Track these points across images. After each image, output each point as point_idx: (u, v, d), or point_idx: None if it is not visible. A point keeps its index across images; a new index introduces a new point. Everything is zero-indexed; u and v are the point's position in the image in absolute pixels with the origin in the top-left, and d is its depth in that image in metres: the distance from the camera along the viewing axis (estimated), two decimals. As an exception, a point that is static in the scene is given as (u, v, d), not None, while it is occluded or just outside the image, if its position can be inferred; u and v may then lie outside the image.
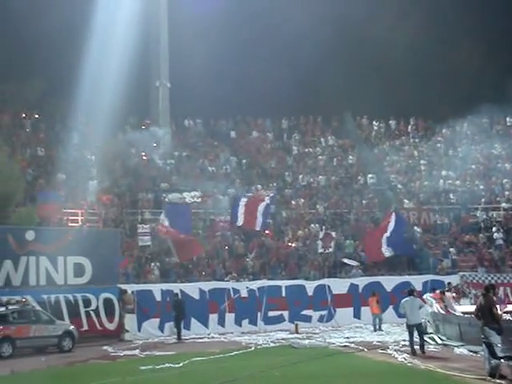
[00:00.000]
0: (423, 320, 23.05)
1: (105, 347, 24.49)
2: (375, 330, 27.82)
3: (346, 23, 46.61)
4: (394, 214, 33.31)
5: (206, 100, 39.69)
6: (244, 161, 42.27)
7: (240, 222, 32.23)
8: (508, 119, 49.34)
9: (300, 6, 43.78)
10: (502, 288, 31.32)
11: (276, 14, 43.08)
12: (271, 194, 33.51)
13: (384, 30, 46.01)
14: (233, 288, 29.62)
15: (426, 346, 21.22)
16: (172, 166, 40.21)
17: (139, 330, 27.63)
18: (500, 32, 47.98)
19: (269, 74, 40.61)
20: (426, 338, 22.71)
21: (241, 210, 31.96)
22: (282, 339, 25.86)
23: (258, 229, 32.74)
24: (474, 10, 49.43)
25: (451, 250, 34.78)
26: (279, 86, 40.62)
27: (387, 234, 32.16)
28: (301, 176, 41.48)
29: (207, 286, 29.42)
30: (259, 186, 39.16)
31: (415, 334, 21.05)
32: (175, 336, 26.76)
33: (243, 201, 32.30)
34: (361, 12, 46.27)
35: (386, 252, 32.28)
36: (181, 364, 19.37)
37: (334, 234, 34.43)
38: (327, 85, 44.73)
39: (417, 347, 20.90)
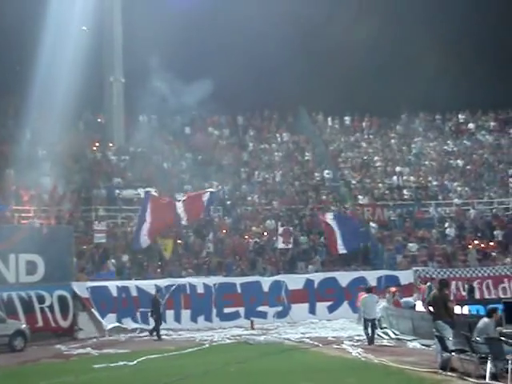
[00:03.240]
0: (378, 315, 23.52)
1: (58, 346, 24.14)
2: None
3: (304, 21, 46.78)
4: (330, 216, 33.46)
5: (161, 96, 39.34)
6: (199, 157, 42.10)
7: (184, 220, 31.94)
8: (460, 116, 50.19)
9: (259, 3, 43.72)
10: (453, 282, 31.79)
11: (234, 11, 42.89)
12: (211, 190, 33.14)
13: (342, 27, 46.21)
14: (189, 284, 29.48)
15: (377, 340, 22.22)
16: (126, 162, 39.86)
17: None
18: (458, 31, 48.60)
19: (225, 70, 40.42)
20: (380, 333, 23.13)
21: (180, 208, 31.56)
22: (238, 335, 25.83)
23: (201, 216, 32.62)
24: (432, 9, 50.07)
25: (410, 245, 35.22)
26: (235, 82, 40.49)
27: (338, 232, 32.39)
28: (256, 172, 41.53)
29: (163, 282, 29.25)
30: (215, 183, 39.13)
31: (369, 326, 22.03)
32: (148, 333, 26.42)
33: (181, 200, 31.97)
34: (319, 9, 46.37)
35: (341, 249, 32.59)
36: (135, 362, 19.23)
37: (291, 229, 34.62)
38: (283, 81, 44.74)
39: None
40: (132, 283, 28.74)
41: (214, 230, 34.35)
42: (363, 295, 23.77)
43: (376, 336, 22.54)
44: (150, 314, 26.61)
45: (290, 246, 33.65)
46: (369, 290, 23.91)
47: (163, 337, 25.74)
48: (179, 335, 26.42)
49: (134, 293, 28.40)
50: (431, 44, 48.04)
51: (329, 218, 33.34)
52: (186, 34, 40.81)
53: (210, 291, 29.55)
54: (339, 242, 32.51)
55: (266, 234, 34.88)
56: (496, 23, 49.37)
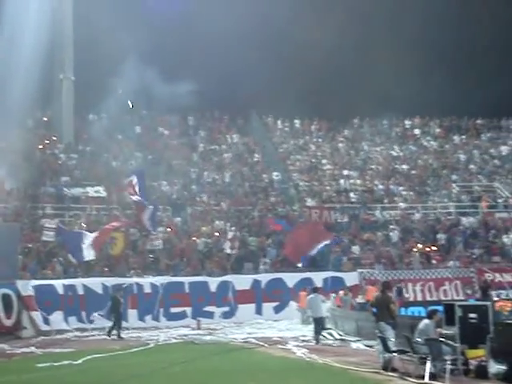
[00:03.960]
0: (325, 315, 24.02)
1: (1, 345, 23.78)
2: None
3: (264, 23, 47.05)
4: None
5: (112, 94, 39.13)
6: (149, 157, 41.99)
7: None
8: (406, 122, 51.19)
9: (219, 3, 43.87)
10: (398, 284, 32.39)
11: (193, 11, 42.96)
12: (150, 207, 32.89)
13: (300, 31, 46.72)
14: (136, 283, 29.43)
15: (322, 340, 22.71)
16: (75, 161, 39.52)
17: (46, 323, 27.00)
18: (415, 36, 49.52)
19: (176, 70, 40.44)
20: (325, 334, 23.52)
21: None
22: (184, 335, 25.88)
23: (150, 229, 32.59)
24: (392, 12, 50.91)
25: (355, 247, 35.77)
26: (186, 81, 40.50)
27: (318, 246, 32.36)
28: (206, 173, 41.63)
29: (110, 281, 29.13)
30: (164, 182, 39.12)
31: (314, 325, 22.68)
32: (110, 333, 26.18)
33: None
34: (280, 13, 46.80)
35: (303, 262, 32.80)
36: (80, 361, 19.07)
37: (238, 233, 34.85)
38: (234, 83, 44.97)
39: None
40: (79, 282, 28.54)
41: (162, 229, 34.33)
42: (309, 296, 24.30)
43: (320, 336, 22.96)
44: (109, 313, 26.51)
45: (235, 251, 33.87)
46: (315, 290, 24.68)
47: (113, 336, 25.62)
48: (126, 334, 26.32)
49: (81, 291, 28.24)
50: (387, 49, 48.92)
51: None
52: (140, 32, 40.64)
53: (157, 291, 29.55)
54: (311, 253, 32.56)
55: (218, 234, 34.89)
56: (452, 30, 50.51)
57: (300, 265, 32.51)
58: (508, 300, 29.23)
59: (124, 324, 27.08)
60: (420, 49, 49.74)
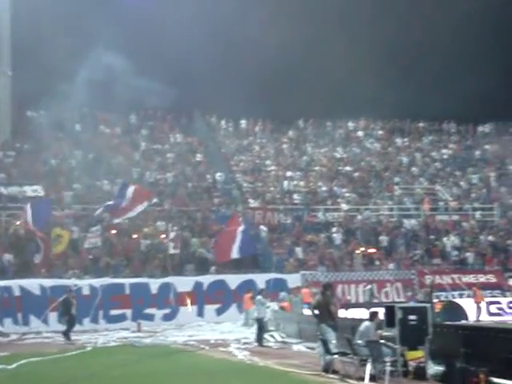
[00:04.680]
0: (268, 317, 23.90)
1: None
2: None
3: (211, 22, 46.84)
4: (241, 217, 33.60)
5: (51, 91, 38.26)
6: (90, 155, 41.20)
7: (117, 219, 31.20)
8: (350, 124, 51.58)
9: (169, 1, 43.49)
10: (340, 286, 32.56)
11: (136, 5, 42.41)
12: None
13: (247, 29, 46.58)
14: (75, 285, 28.75)
15: (265, 342, 22.64)
16: (12, 158, 38.50)
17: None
18: (363, 37, 49.95)
19: (120, 68, 39.80)
20: (266, 336, 23.39)
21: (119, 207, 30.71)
22: (124, 338, 25.44)
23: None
24: (340, 14, 51.24)
25: (298, 249, 35.77)
26: (130, 80, 39.89)
27: (239, 237, 32.21)
28: (148, 172, 41.07)
29: (48, 282, 28.40)
30: (105, 182, 38.43)
31: (257, 326, 22.73)
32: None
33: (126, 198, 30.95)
34: (227, 12, 46.63)
35: (235, 254, 32.47)
36: (14, 365, 18.44)
37: (183, 233, 34.48)
38: (178, 82, 44.53)
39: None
40: (15, 283, 27.78)
41: (102, 229, 33.62)
42: (257, 297, 24.29)
43: (263, 338, 22.80)
44: (61, 315, 25.86)
45: (178, 250, 33.49)
46: (260, 291, 25.03)
47: (50, 339, 24.99)
48: (63, 337, 25.66)
49: (17, 293, 27.48)
50: (334, 51, 49.24)
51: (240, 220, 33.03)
52: (81, 28, 39.90)
53: (96, 293, 28.93)
54: (234, 249, 32.35)
55: (164, 236, 34.36)
56: (399, 33, 51.07)
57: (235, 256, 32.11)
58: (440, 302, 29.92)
59: (61, 327, 26.42)
60: (366, 51, 50.18)
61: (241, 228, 32.01)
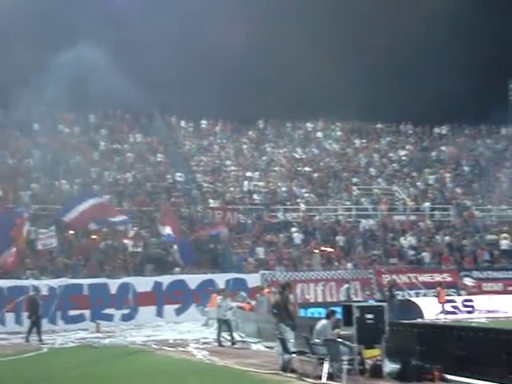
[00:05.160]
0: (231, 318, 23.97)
1: None
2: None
3: (173, 20, 46.66)
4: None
5: (8, 90, 37.80)
6: (48, 155, 40.75)
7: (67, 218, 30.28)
8: (309, 125, 51.92)
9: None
10: (299, 285, 32.84)
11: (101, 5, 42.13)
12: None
13: (210, 29, 46.59)
14: (32, 286, 28.44)
15: (223, 342, 22.58)
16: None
17: None
18: (323, 37, 50.22)
19: (78, 66, 39.46)
20: (225, 335, 23.47)
21: (78, 209, 30.03)
22: (82, 339, 25.29)
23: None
24: (302, 15, 51.46)
25: (258, 249, 35.92)
26: (90, 79, 39.58)
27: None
28: (107, 172, 40.81)
29: (6, 283, 28.07)
30: (64, 181, 38.08)
31: (224, 328, 22.57)
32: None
33: (86, 204, 30.23)
34: (189, 10, 46.52)
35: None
36: (-33, 368, 18.25)
37: (142, 232, 34.35)
38: (138, 82, 44.31)
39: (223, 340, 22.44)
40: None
41: (60, 228, 33.29)
42: (219, 297, 24.33)
43: (222, 339, 22.85)
44: (28, 315, 25.54)
45: (140, 249, 33.39)
46: (222, 291, 25.25)
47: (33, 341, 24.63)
48: (21, 338, 25.39)
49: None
50: (296, 52, 49.49)
51: None
52: (42, 25, 39.47)
53: (54, 293, 28.70)
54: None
55: (130, 237, 34.12)
56: (359, 35, 51.60)
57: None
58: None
59: (19, 328, 26.17)
60: (325, 52, 50.53)
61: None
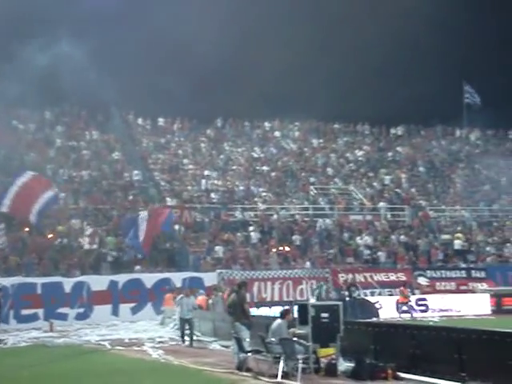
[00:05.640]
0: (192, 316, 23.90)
1: None
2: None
3: (135, 17, 46.33)
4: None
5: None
6: (2, 151, 40.02)
7: (5, 207, 28.75)
8: (267, 124, 52.03)
9: None
10: (256, 284, 32.89)
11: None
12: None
13: (170, 28, 46.36)
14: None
15: (180, 342, 22.48)
16: None
17: None
18: (290, 37, 50.44)
19: (33, 60, 38.86)
20: (185, 335, 23.35)
21: (10, 194, 28.57)
22: (35, 338, 24.90)
23: (32, 222, 29.58)
24: (265, 14, 51.61)
25: (216, 248, 35.85)
26: (46, 75, 39.00)
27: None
28: (62, 170, 40.28)
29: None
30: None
31: (186, 327, 22.40)
32: None
33: (18, 184, 28.50)
34: (152, 7, 46.24)
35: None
36: None
37: (99, 230, 34.02)
38: (95, 78, 43.85)
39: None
40: None
41: (13, 227, 32.79)
42: (179, 296, 24.10)
43: (186, 337, 22.69)
44: None
45: (95, 246, 33.06)
46: (175, 290, 25.61)
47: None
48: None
49: None
50: (257, 51, 49.54)
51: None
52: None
53: (6, 292, 28.22)
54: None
55: (88, 235, 33.68)
56: (321, 37, 51.91)
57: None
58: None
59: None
60: (283, 52, 50.77)
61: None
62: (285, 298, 32.80)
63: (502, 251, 40.47)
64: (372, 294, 33.88)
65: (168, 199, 39.78)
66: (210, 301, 26.70)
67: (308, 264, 35.86)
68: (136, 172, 42.00)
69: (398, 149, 51.96)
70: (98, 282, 30.52)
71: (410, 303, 31.66)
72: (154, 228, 30.15)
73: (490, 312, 32.48)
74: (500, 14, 55.58)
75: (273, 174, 45.63)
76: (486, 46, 57.26)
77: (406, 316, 31.00)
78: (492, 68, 56.80)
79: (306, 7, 52.54)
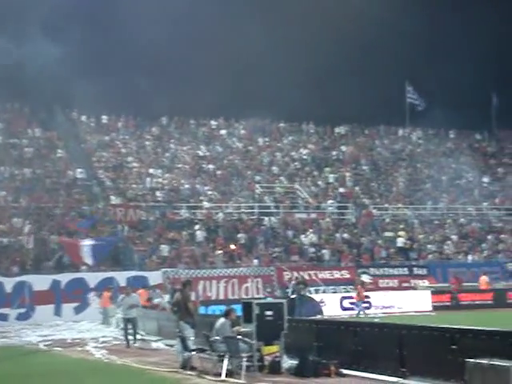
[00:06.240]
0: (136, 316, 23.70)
1: None
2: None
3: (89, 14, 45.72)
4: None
5: None
6: None
7: None
8: (213, 122, 51.98)
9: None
10: (201, 282, 32.87)
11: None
12: None
13: (117, 23, 45.88)
14: None
15: (124, 341, 22.13)
16: None
17: None
18: (235, 35, 50.32)
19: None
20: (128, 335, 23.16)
21: None
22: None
23: None
24: (225, 12, 51.41)
25: (161, 246, 35.66)
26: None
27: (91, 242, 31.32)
28: (3, 167, 39.51)
29: None
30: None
31: (129, 326, 22.04)
32: None
33: None
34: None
35: (88, 260, 31.57)
36: None
37: (40, 231, 33.55)
38: (39, 75, 43.12)
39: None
40: None
41: None
42: (121, 296, 23.86)
43: (130, 337, 22.48)
44: None
45: (32, 245, 32.58)
46: (119, 289, 25.20)
47: None
48: None
49: None
50: (199, 49, 49.36)
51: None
52: None
53: None
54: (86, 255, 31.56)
55: (25, 234, 33.12)
56: (267, 34, 51.97)
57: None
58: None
59: None
60: (228, 50, 50.72)
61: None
62: (230, 297, 32.84)
63: (443, 249, 41.38)
64: (316, 291, 34.15)
65: (112, 197, 39.41)
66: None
67: (255, 262, 35.99)
68: (80, 170, 41.50)
69: (342, 148, 52.53)
70: (40, 282, 30.12)
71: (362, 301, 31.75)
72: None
73: (431, 308, 33.11)
74: (444, 16, 56.68)
75: (218, 172, 45.63)
76: (428, 48, 58.40)
77: (350, 313, 31.35)
78: (434, 69, 57.89)
79: (255, 6, 52.63)
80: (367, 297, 32.15)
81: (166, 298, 28.15)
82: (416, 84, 56.02)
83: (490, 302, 34.20)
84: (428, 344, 13.75)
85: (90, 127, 48.22)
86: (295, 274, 34.67)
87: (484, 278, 35.82)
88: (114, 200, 39.12)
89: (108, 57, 48.39)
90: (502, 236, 44.04)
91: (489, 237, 43.66)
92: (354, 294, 32.31)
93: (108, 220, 36.77)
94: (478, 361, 10.90)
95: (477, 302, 33.95)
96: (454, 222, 44.67)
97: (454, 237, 42.84)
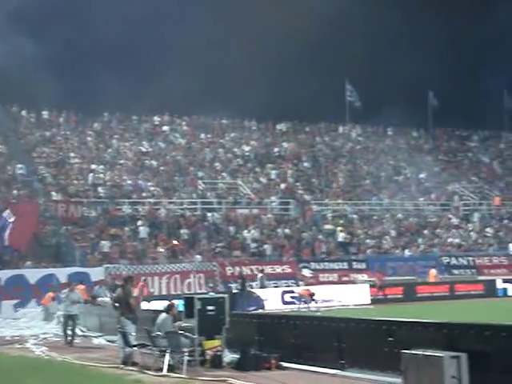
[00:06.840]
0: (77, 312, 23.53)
1: None
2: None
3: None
4: None
5: None
6: None
7: None
8: (156, 118, 51.84)
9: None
10: (143, 278, 32.82)
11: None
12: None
13: (59, 17, 45.35)
14: None
15: (70, 338, 21.89)
16: None
17: None
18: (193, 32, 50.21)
19: None
20: (68, 331, 23.03)
21: None
22: None
23: None
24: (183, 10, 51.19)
25: (103, 242, 35.46)
26: None
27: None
28: None
29: None
30: None
31: (70, 322, 21.82)
32: None
33: None
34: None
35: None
36: None
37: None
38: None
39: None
40: None
41: None
42: (64, 291, 23.90)
43: (69, 332, 22.31)
44: None
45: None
46: (69, 286, 23.90)
47: None
48: None
49: None
50: (149, 46, 49.13)
51: None
52: None
53: None
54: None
55: None
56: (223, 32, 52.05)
57: None
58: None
59: None
60: (180, 47, 50.78)
61: None
62: (172, 292, 32.92)
63: (381, 243, 42.30)
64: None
65: (53, 193, 38.97)
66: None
67: (198, 257, 36.13)
68: (20, 166, 40.89)
69: (284, 144, 53.03)
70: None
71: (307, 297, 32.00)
72: (29, 225, 29.74)
73: (369, 302, 33.84)
74: (383, 15, 57.68)
75: (161, 168, 45.56)
76: (368, 47, 59.36)
77: (291, 307, 31.74)
78: (374, 68, 58.98)
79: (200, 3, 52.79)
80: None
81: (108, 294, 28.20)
82: (355, 82, 56.98)
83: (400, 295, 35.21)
84: (366, 336, 14.16)
85: (30, 122, 47.52)
86: (237, 268, 35.00)
87: (432, 272, 37.09)
88: (54, 196, 38.71)
89: (51, 52, 47.84)
90: (438, 231, 45.33)
91: (425, 231, 44.86)
92: (299, 290, 32.65)
93: (49, 216, 36.38)
94: (413, 352, 11.28)
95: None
96: (392, 218, 45.68)
97: (392, 231, 43.85)
